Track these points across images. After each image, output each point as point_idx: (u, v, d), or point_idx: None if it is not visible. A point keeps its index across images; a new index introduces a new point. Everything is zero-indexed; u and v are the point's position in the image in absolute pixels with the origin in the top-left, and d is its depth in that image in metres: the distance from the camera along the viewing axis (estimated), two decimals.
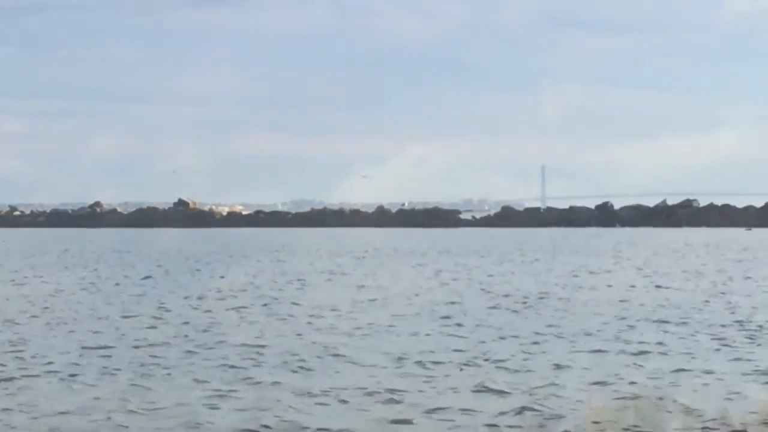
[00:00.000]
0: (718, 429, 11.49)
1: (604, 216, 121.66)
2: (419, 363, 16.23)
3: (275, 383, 14.47)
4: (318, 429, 11.76)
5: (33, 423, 12.12)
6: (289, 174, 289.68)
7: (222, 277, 38.44)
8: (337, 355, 17.16)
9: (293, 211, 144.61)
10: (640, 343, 18.57)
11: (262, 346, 18.27)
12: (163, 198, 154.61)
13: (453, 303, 26.62)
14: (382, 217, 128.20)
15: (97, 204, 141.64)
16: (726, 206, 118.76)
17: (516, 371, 15.48)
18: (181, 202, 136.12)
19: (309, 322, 22.26)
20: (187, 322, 22.33)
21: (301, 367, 15.92)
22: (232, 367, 15.99)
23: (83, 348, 18.27)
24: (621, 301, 27.02)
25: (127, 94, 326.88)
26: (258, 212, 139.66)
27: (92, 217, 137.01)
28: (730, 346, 18.16)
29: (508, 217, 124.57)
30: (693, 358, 16.81)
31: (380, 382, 14.45)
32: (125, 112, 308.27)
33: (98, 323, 22.47)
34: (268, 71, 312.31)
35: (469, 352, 17.40)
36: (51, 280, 36.87)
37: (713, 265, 44.47)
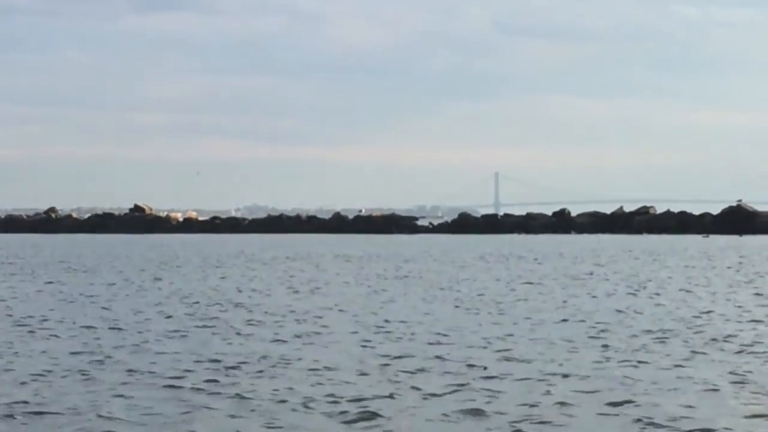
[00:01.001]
0: None
1: (561, 222, 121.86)
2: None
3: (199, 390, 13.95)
4: None
5: None
6: (244, 180, 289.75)
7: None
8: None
9: (249, 218, 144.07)
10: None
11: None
12: (118, 203, 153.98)
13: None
14: (339, 224, 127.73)
15: (52, 210, 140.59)
16: (683, 213, 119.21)
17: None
18: (137, 208, 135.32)
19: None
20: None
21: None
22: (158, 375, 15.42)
23: None
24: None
25: (81, 100, 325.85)
26: (214, 218, 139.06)
27: (47, 222, 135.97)
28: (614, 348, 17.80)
29: (465, 224, 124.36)
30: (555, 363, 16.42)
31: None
32: (81, 118, 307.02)
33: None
34: (221, 77, 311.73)
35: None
36: None
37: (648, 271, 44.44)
